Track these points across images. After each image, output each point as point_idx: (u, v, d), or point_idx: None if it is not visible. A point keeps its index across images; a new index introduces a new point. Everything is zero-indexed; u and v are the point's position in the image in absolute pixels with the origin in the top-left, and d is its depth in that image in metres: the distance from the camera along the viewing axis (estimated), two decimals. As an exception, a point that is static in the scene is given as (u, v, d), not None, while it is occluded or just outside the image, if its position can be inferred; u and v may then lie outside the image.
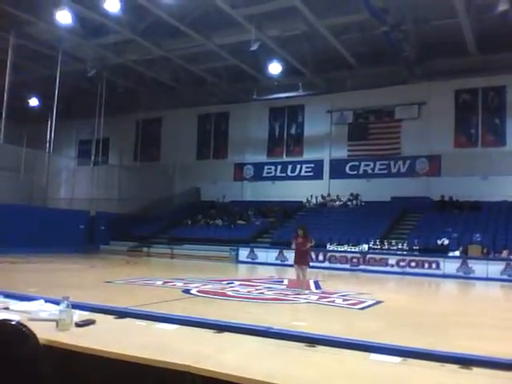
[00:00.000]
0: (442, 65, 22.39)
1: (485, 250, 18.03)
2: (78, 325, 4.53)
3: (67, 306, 4.37)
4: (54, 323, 4.39)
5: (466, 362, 4.10)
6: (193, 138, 30.74)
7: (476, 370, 3.99)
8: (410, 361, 4.20)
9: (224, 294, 10.11)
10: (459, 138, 23.86)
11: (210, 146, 30.49)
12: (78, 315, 4.86)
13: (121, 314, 5.70)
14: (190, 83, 27.61)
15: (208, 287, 11.19)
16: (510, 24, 17.37)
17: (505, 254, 17.54)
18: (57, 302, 4.68)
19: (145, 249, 24.46)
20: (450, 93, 23.89)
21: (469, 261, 17.51)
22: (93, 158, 28.54)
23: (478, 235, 18.75)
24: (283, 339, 4.73)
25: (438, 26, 19.72)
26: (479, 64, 21.62)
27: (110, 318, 5.47)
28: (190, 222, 26.64)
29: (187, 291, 10.25)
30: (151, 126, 31.46)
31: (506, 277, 16.50)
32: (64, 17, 20.01)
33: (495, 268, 16.92)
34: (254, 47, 20.31)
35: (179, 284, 11.39)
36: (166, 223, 26.80)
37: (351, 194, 25.15)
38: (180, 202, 29.77)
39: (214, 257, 21.55)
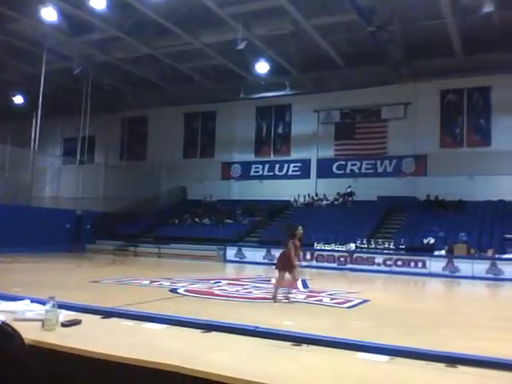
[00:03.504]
0: (428, 65, 22.54)
1: (470, 250, 18.19)
2: (63, 325, 4.50)
3: (53, 306, 4.34)
4: (40, 323, 4.35)
5: (452, 360, 4.14)
6: (179, 137, 30.61)
7: (462, 368, 4.03)
8: (397, 359, 4.23)
9: (211, 294, 10.10)
10: (445, 137, 24.07)
11: (197, 145, 30.40)
12: (64, 315, 4.82)
13: (107, 313, 5.67)
14: (176, 82, 27.48)
15: (195, 286, 11.17)
16: (494, 25, 17.59)
17: (490, 253, 17.72)
18: (43, 302, 4.64)
19: (131, 248, 24.32)
20: (436, 93, 24.08)
21: (454, 260, 17.66)
22: (78, 156, 28.28)
23: (463, 234, 18.91)
24: (270, 338, 4.73)
25: (424, 27, 19.86)
26: (464, 65, 21.80)
27: (97, 317, 5.43)
28: (176, 221, 26.54)
29: (174, 290, 10.23)
30: (137, 124, 31.29)
31: (491, 275, 16.67)
32: (49, 14, 19.83)
33: (480, 267, 17.09)
34: (241, 46, 20.29)
35: (166, 283, 11.36)
36: (152, 222, 26.68)
37: (338, 193, 25.21)
38: (167, 201, 29.66)
39: (201, 256, 21.49)
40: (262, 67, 23.83)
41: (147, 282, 11.66)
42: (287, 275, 9.06)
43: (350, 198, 24.61)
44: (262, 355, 4.27)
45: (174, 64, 25.03)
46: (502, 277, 16.49)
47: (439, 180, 22.93)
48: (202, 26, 21.00)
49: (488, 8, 16.64)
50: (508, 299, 14.32)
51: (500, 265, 16.79)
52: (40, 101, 24.07)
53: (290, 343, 4.64)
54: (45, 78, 23.70)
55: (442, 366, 4.05)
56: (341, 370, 3.92)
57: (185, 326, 5.06)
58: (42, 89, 23.75)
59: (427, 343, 5.18)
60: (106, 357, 3.83)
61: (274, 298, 8.97)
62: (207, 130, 30.11)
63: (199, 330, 4.91)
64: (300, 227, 9.12)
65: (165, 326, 5.15)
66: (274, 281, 9.45)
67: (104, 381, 3.91)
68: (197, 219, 26.14)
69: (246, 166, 28.71)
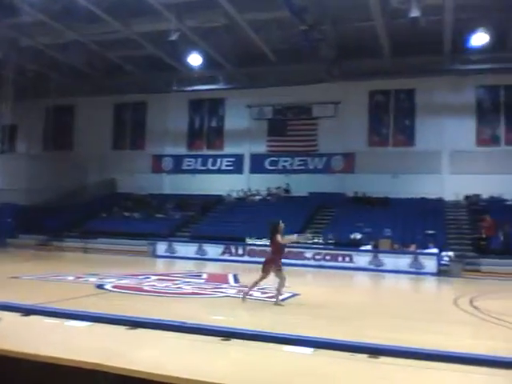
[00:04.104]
0: (358, 66, 23.18)
1: (394, 245, 18.99)
2: (-22, 324, 4.24)
3: (-35, 305, 4.08)
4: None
5: (374, 351, 4.30)
6: (108, 128, 29.65)
7: (383, 359, 4.19)
8: (322, 351, 4.34)
9: (140, 289, 9.92)
10: (372, 137, 24.94)
11: (127, 137, 29.61)
12: (-21, 314, 4.55)
13: (28, 311, 5.45)
14: (105, 70, 26.57)
15: (123, 282, 10.92)
16: (419, 30, 18.36)
17: (412, 247, 18.60)
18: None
19: (56, 242, 23.32)
20: (364, 93, 24.84)
21: (379, 254, 18.37)
22: (-2, 145, 26.65)
23: (387, 230, 19.73)
24: (199, 334, 4.71)
25: (355, 28, 20.38)
26: (392, 67, 22.65)
27: (16, 315, 5.21)
28: (105, 215, 25.75)
29: (101, 287, 9.96)
30: (63, 113, 29.91)
31: (413, 270, 17.48)
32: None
33: (404, 261, 17.88)
34: (174, 37, 19.90)
35: (92, 279, 11.03)
36: (79, 216, 25.70)
37: (268, 188, 25.51)
38: (94, 194, 28.63)
39: (130, 251, 20.97)
40: (194, 60, 23.53)
41: (72, 277, 11.26)
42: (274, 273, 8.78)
43: (286, 194, 25.02)
44: (190, 351, 4.23)
45: (104, 52, 24.17)
46: (423, 271, 17.35)
47: (366, 177, 23.74)
48: (133, 14, 20.38)
49: (415, 13, 17.32)
50: (428, 292, 15.14)
51: (422, 259, 17.65)
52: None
53: (218, 338, 4.63)
54: (-38, 60, 22.15)
55: (364, 357, 4.20)
56: (267, 363, 3.96)
57: (110, 323, 4.93)
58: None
59: (352, 335, 5.35)
60: (24, 356, 3.68)
61: (277, 299, 8.67)
62: (138, 122, 29.33)
63: (125, 327, 4.79)
64: (280, 221, 9.00)
65: (89, 323, 5.00)
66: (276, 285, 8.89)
67: (22, 380, 3.74)
68: (126, 213, 25.49)
69: (177, 159, 28.31)
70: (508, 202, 21.38)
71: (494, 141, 23.02)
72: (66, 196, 27.17)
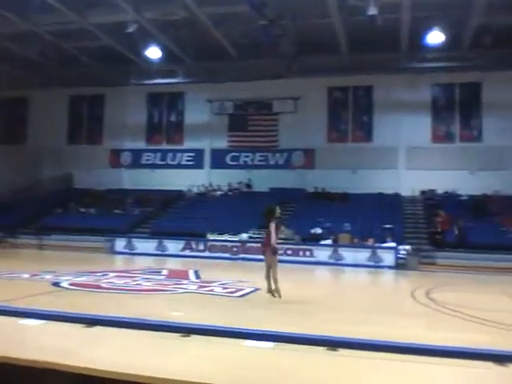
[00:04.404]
0: (317, 62, 23.37)
1: (353, 239, 19.32)
2: None
3: None
4: None
5: (332, 344, 4.35)
6: (64, 121, 28.82)
7: (342, 351, 4.24)
8: (282, 345, 4.36)
9: (98, 287, 9.73)
10: (332, 133, 25.24)
11: (83, 130, 28.88)
12: None
13: (-22, 311, 5.22)
14: (60, 62, 25.77)
15: (81, 279, 10.68)
16: (377, 28, 18.67)
17: (370, 242, 18.97)
18: None
19: (10, 239, 22.53)
20: (323, 89, 25.09)
21: (339, 249, 18.64)
22: None
23: (347, 225, 20.06)
24: (158, 330, 4.65)
25: (314, 24, 20.53)
26: (350, 63, 22.92)
27: (-35, 315, 4.98)
28: (60, 211, 25.08)
29: (57, 284, 9.72)
30: (16, 105, 28.90)
31: (372, 263, 17.83)
32: None
33: (362, 255, 18.19)
34: (131, 29, 19.47)
35: (48, 277, 10.73)
36: (34, 211, 24.89)
37: (229, 184, 25.46)
38: (50, 189, 27.79)
39: (87, 248, 20.45)
40: (153, 53, 23.09)
41: (27, 275, 10.93)
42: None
43: (248, 189, 25.04)
44: (149, 348, 4.17)
45: (59, 43, 23.41)
46: (381, 264, 17.71)
47: (326, 173, 24.00)
48: (88, 4, 19.88)
49: (372, 11, 17.58)
50: (386, 285, 15.49)
51: (380, 253, 18.02)
52: None
53: (178, 334, 4.59)
54: None
55: (323, 349, 4.24)
56: (227, 358, 3.94)
57: (65, 321, 4.80)
58: None
59: (313, 328, 5.39)
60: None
61: (278, 292, 8.41)
62: (95, 115, 28.61)
63: (81, 325, 4.68)
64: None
65: (44, 321, 4.85)
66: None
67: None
68: (83, 209, 24.89)
69: (136, 154, 27.82)
70: (462, 197, 22.08)
71: (449, 138, 23.73)
72: (20, 191, 26.30)
